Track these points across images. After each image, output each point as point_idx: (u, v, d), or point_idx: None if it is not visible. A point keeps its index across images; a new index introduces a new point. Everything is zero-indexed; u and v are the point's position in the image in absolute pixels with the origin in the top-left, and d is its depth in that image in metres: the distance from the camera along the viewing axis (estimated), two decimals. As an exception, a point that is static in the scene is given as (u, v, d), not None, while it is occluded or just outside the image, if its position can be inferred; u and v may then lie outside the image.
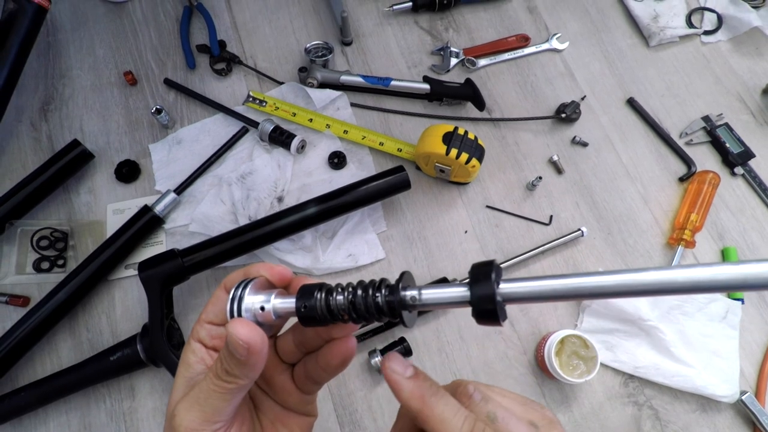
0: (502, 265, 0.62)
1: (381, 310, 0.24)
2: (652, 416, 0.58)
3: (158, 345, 0.55)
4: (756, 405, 0.56)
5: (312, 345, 0.28)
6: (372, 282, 0.24)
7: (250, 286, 0.25)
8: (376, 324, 0.58)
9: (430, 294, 0.23)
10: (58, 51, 0.76)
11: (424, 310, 0.25)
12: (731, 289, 0.19)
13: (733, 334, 0.60)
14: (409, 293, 0.23)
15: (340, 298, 0.24)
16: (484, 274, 0.22)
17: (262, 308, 0.25)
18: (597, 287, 0.21)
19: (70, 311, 0.60)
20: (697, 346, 0.59)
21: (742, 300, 0.61)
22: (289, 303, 0.25)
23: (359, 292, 0.24)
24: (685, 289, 0.20)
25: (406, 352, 0.58)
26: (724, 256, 0.64)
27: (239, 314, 0.25)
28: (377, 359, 0.58)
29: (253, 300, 0.25)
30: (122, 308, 0.63)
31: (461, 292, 0.23)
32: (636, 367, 0.58)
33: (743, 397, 0.56)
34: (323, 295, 0.24)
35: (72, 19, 0.78)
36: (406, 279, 0.24)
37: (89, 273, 0.60)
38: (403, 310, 0.24)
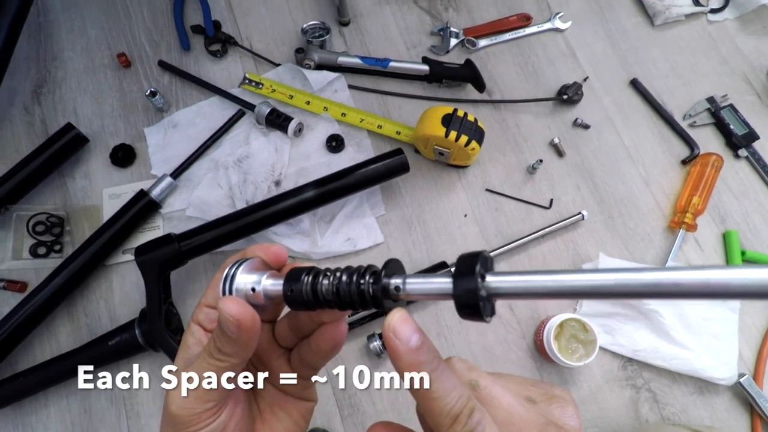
0: (501, 249, 0.61)
1: (364, 298, 0.23)
2: (650, 399, 0.58)
3: (156, 330, 0.55)
4: (754, 387, 0.56)
5: (305, 329, 0.28)
6: (359, 268, 0.24)
7: (243, 266, 0.25)
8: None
9: (416, 284, 0.22)
10: (49, 32, 0.74)
11: (409, 300, 0.23)
12: (734, 297, 0.17)
13: (732, 318, 0.60)
14: (394, 282, 0.22)
15: (325, 282, 0.24)
16: (469, 265, 0.20)
17: (253, 289, 0.25)
18: (593, 287, 0.19)
19: (68, 296, 0.60)
20: (697, 330, 0.59)
21: (742, 283, 0.61)
22: (278, 285, 0.25)
23: (344, 278, 0.23)
24: (690, 293, 0.17)
25: (405, 336, 0.58)
26: (726, 240, 0.64)
27: (230, 293, 0.25)
28: (376, 343, 0.57)
29: (245, 280, 0.25)
30: (120, 293, 0.63)
31: (447, 283, 0.21)
32: (635, 350, 0.58)
33: (741, 380, 0.56)
34: (310, 279, 0.24)
35: None
36: (391, 267, 0.23)
37: (86, 258, 0.60)
38: (386, 300, 0.23)
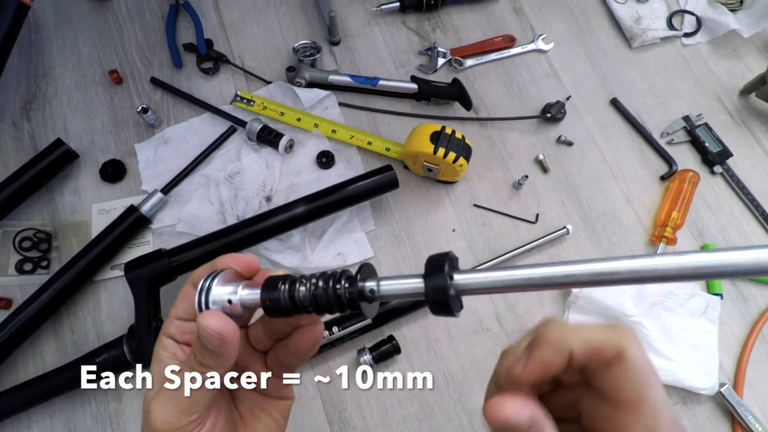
0: (488, 263, 0.63)
1: (341, 302, 0.24)
2: (635, 409, 0.59)
3: (145, 346, 0.55)
4: (734, 396, 0.57)
5: (281, 332, 0.29)
6: (333, 273, 0.25)
7: (217, 278, 0.26)
8: (363, 321, 0.59)
9: (389, 285, 0.24)
10: (40, 49, 0.75)
11: (384, 301, 0.25)
12: (671, 279, 0.20)
13: (712, 329, 0.61)
14: (368, 285, 0.24)
15: (302, 289, 0.25)
16: (437, 266, 0.22)
17: (230, 301, 0.25)
18: (545, 277, 0.21)
19: (54, 313, 0.60)
20: (679, 341, 0.60)
21: (721, 295, 0.63)
22: (255, 294, 0.25)
23: (320, 283, 0.25)
24: (623, 280, 0.20)
25: (395, 350, 0.59)
26: (704, 253, 0.66)
27: (207, 306, 0.25)
28: (366, 357, 0.58)
29: (220, 292, 0.25)
30: (108, 310, 0.62)
31: (418, 283, 0.23)
32: (620, 361, 0.59)
33: (722, 389, 0.57)
34: (287, 287, 0.25)
35: (55, 17, 0.77)
36: (365, 271, 0.25)
37: (74, 274, 0.59)
38: (362, 302, 0.24)
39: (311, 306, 0.25)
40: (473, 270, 0.22)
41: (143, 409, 0.26)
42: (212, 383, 0.24)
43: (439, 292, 0.22)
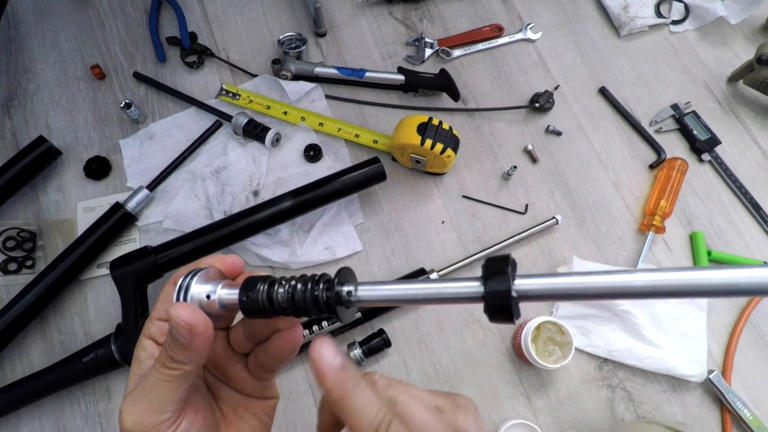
0: (478, 255, 0.63)
1: (318, 305, 0.24)
2: (625, 398, 0.59)
3: (133, 344, 0.54)
4: (723, 383, 0.58)
5: (261, 335, 0.29)
6: (312, 276, 0.25)
7: (198, 275, 0.26)
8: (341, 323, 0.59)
9: (367, 291, 0.24)
10: (20, 44, 0.73)
11: (362, 306, 0.25)
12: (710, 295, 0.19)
13: (701, 316, 0.62)
14: (346, 289, 0.24)
15: (281, 291, 0.25)
16: (498, 269, 0.21)
17: (208, 296, 0.25)
18: (626, 287, 0.20)
19: (40, 313, 0.59)
20: (668, 328, 0.61)
21: (709, 282, 0.63)
22: (233, 294, 0.25)
23: (299, 286, 0.24)
24: (722, 291, 0.19)
25: (385, 343, 0.58)
26: (693, 241, 0.66)
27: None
28: (356, 351, 0.58)
29: (199, 289, 0.25)
30: (95, 308, 0.62)
31: (476, 287, 0.22)
32: (610, 350, 0.60)
33: (711, 376, 0.58)
34: (266, 287, 0.25)
35: (35, 11, 0.75)
36: (343, 275, 0.25)
37: (59, 273, 0.59)
38: (339, 306, 0.24)
39: (288, 308, 0.24)
40: (535, 275, 0.21)
41: (120, 412, 0.25)
42: (183, 379, 0.24)
43: (501, 297, 0.21)
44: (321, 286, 0.24)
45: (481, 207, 0.67)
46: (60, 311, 0.61)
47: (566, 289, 0.21)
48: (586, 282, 0.20)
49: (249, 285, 0.25)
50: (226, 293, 0.25)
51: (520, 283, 0.21)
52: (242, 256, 0.63)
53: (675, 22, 0.78)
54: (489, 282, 0.21)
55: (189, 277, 0.25)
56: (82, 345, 0.58)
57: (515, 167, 0.67)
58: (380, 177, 0.61)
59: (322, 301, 0.24)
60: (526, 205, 0.67)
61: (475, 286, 0.22)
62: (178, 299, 0.25)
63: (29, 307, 0.57)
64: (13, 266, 0.62)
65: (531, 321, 0.57)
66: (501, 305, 0.21)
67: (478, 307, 0.61)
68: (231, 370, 0.29)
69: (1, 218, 0.64)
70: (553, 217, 0.65)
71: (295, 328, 0.28)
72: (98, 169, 0.66)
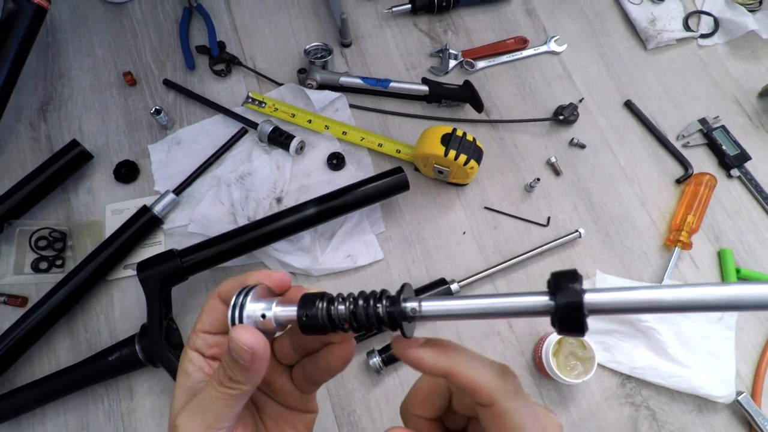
0: (499, 267, 0.62)
1: (382, 321, 0.24)
2: (649, 417, 0.58)
3: (157, 345, 0.55)
4: (752, 405, 0.56)
5: (311, 348, 0.28)
6: (373, 293, 0.25)
7: (251, 294, 0.26)
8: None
9: (430, 306, 0.24)
10: (57, 51, 0.76)
11: (423, 321, 0.25)
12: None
13: (729, 335, 0.60)
14: (410, 305, 0.24)
15: (341, 308, 0.24)
16: (568, 283, 0.22)
17: (263, 316, 0.25)
18: (699, 301, 0.20)
19: (69, 311, 0.60)
20: (694, 347, 0.59)
21: (738, 301, 0.62)
22: (290, 311, 0.25)
23: (360, 302, 0.24)
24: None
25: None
26: (721, 258, 0.64)
27: (240, 321, 0.25)
28: (375, 359, 0.58)
29: (254, 308, 0.25)
30: (121, 308, 0.63)
31: (544, 300, 0.22)
32: (633, 367, 0.59)
33: (739, 398, 0.56)
34: (325, 304, 0.25)
35: (71, 20, 0.78)
36: (406, 291, 0.25)
37: (87, 273, 0.60)
38: (403, 321, 0.24)
39: (349, 324, 0.25)
40: (603, 289, 0.21)
41: (169, 423, 0.26)
42: (240, 398, 0.24)
43: (573, 311, 0.21)
44: (384, 302, 0.24)
45: (503, 219, 0.67)
46: (87, 310, 0.63)
47: (637, 303, 0.21)
48: (657, 296, 0.20)
49: (307, 303, 0.25)
50: (282, 311, 0.25)
51: (590, 297, 0.21)
52: (264, 261, 0.64)
53: (704, 36, 0.77)
54: (559, 295, 0.21)
55: (243, 296, 0.25)
56: (107, 344, 0.59)
57: (538, 179, 0.67)
58: (403, 187, 0.61)
59: (387, 317, 0.24)
60: (549, 218, 0.67)
61: (544, 300, 0.22)
62: (233, 317, 0.25)
63: (58, 305, 0.59)
64: (44, 265, 0.64)
65: (552, 335, 0.56)
66: (573, 319, 0.21)
67: (499, 320, 0.61)
68: (276, 381, 0.29)
69: (34, 218, 0.66)
70: (576, 231, 0.65)
71: (348, 341, 0.27)
72: (127, 172, 0.68)
